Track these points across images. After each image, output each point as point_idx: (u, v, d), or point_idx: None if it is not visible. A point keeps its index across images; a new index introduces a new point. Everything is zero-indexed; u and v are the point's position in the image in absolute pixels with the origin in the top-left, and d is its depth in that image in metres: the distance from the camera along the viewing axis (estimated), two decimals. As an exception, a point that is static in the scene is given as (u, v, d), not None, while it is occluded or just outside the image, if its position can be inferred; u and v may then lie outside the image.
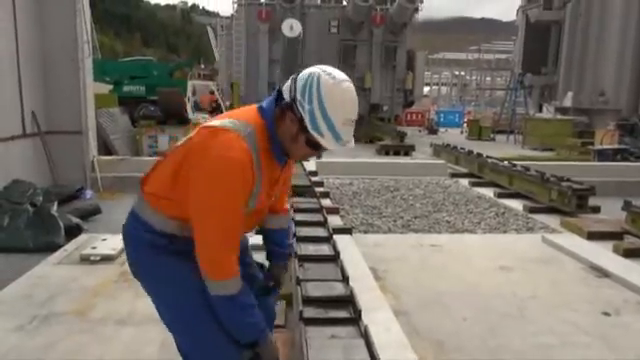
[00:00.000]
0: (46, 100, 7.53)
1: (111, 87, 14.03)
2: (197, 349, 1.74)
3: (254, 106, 1.77)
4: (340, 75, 1.64)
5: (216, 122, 1.70)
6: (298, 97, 1.60)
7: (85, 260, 4.42)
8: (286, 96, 1.64)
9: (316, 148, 1.67)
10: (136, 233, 1.79)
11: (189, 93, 16.46)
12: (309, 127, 1.60)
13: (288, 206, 2.17)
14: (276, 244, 2.13)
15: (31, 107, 7.22)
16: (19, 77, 6.94)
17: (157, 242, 1.75)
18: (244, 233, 1.89)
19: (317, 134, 1.60)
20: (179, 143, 1.79)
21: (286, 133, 1.67)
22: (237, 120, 1.67)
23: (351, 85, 1.66)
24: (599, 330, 3.44)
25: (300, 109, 1.59)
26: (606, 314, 3.70)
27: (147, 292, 1.85)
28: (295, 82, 1.63)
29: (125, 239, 1.85)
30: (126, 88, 16.14)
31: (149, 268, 1.79)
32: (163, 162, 1.82)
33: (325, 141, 1.62)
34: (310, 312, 2.62)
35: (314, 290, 2.92)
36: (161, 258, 1.75)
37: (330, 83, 1.59)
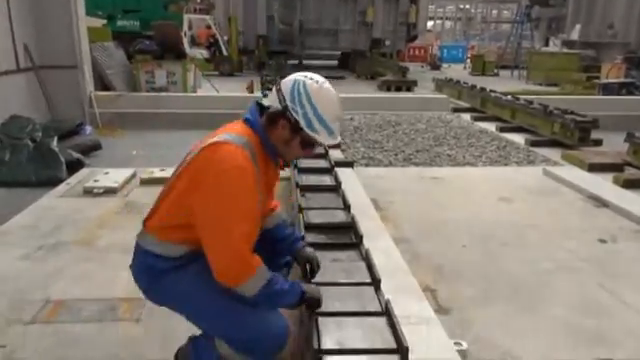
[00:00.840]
0: (38, 33, 7.30)
1: (104, 22, 13.58)
2: (244, 335, 1.78)
3: (240, 120, 1.89)
4: (320, 78, 1.85)
5: (214, 139, 1.78)
6: (289, 104, 1.78)
7: (88, 193, 4.45)
8: (274, 105, 1.81)
9: (310, 147, 1.87)
10: (146, 265, 1.85)
11: (185, 27, 15.96)
12: (305, 128, 1.78)
13: (275, 202, 2.21)
14: (281, 239, 2.16)
15: (23, 40, 7.02)
16: (8, 9, 6.69)
17: (168, 265, 1.82)
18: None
19: (313, 133, 1.79)
20: (174, 174, 1.87)
21: (279, 138, 1.83)
22: (230, 133, 1.79)
23: (330, 85, 1.86)
24: (595, 256, 3.52)
25: (294, 114, 1.77)
26: (602, 241, 3.77)
27: (178, 312, 1.92)
28: (280, 92, 1.80)
29: (137, 275, 1.90)
30: (120, 23, 15.59)
31: (169, 290, 1.84)
32: (164, 198, 1.87)
33: (321, 137, 1.81)
34: (312, 238, 2.66)
35: (316, 217, 2.96)
36: (175, 276, 1.82)
37: (315, 87, 1.80)
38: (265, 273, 1.74)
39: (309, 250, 2.17)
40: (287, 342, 1.82)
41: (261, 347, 1.78)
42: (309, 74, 1.85)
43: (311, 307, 1.93)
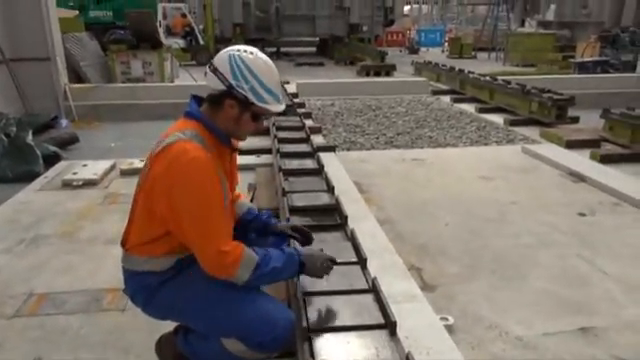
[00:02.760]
0: (7, 25, 7.12)
1: (76, 13, 13.26)
2: (245, 329, 1.74)
3: (180, 118, 1.85)
4: (250, 48, 1.81)
5: (160, 145, 1.74)
6: (233, 82, 1.72)
7: (67, 185, 4.38)
8: (216, 87, 1.75)
9: (261, 119, 1.85)
10: (140, 285, 1.82)
11: (160, 17, 15.67)
12: (256, 101, 1.75)
13: (237, 193, 2.19)
14: (252, 220, 2.12)
15: (-8, 33, 6.83)
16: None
17: (159, 280, 1.80)
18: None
19: (264, 104, 1.77)
20: (135, 190, 1.84)
21: (228, 118, 1.79)
22: (174, 134, 1.74)
23: (260, 52, 1.82)
24: (575, 229, 3.59)
25: (241, 90, 1.73)
26: (582, 215, 3.85)
27: (182, 322, 1.92)
28: (218, 72, 1.74)
29: (133, 297, 1.88)
30: (92, 14, 15.26)
31: (167, 303, 1.82)
32: (133, 215, 1.83)
33: (272, 107, 1.79)
34: (297, 221, 2.65)
35: (300, 200, 2.96)
36: (170, 288, 1.80)
37: (252, 58, 1.76)
38: (251, 258, 1.71)
39: (285, 223, 2.19)
40: (291, 332, 1.76)
41: (267, 340, 1.73)
42: (240, 47, 1.81)
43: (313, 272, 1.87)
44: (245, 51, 1.77)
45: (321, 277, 1.89)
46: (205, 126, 1.79)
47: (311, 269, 1.85)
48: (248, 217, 2.12)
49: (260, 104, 1.76)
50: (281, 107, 1.83)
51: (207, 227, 1.67)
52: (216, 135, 1.81)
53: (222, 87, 1.74)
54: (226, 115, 1.78)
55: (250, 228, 2.12)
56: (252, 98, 1.74)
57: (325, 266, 1.87)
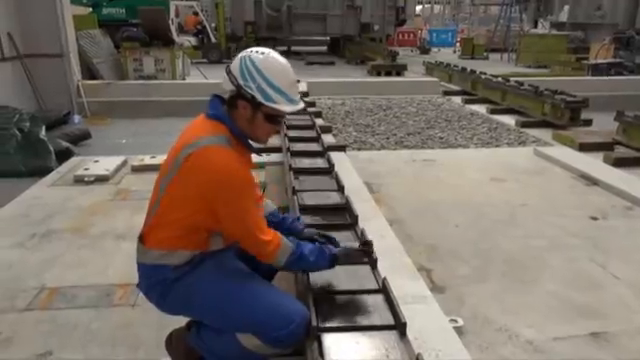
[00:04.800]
0: (22, 22, 7.17)
1: (90, 10, 13.36)
2: (261, 323, 1.73)
3: (202, 117, 1.85)
4: (265, 49, 1.81)
5: (196, 145, 1.73)
6: (241, 82, 1.74)
7: (79, 181, 4.41)
8: (228, 88, 1.78)
9: (275, 120, 1.82)
10: (156, 279, 1.82)
11: (172, 14, 15.73)
12: (263, 101, 1.74)
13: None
14: (276, 224, 2.08)
15: (6, 29, 6.88)
16: (-10, -3, 6.56)
17: (177, 274, 1.80)
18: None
19: (272, 103, 1.75)
20: (159, 185, 1.83)
21: (243, 120, 1.80)
22: (206, 135, 1.75)
23: (277, 53, 1.83)
24: (587, 233, 3.55)
25: (248, 90, 1.73)
26: (594, 218, 3.81)
27: (196, 317, 1.92)
28: (231, 73, 1.77)
29: (148, 292, 1.88)
30: (105, 11, 15.33)
31: (182, 298, 1.82)
32: (159, 208, 1.83)
33: (281, 106, 1.77)
34: (307, 220, 2.65)
35: (310, 199, 2.96)
36: (186, 282, 1.80)
37: (261, 58, 1.76)
38: (287, 246, 1.82)
39: (311, 230, 2.14)
40: (307, 327, 1.75)
41: (283, 334, 1.72)
42: (254, 48, 1.82)
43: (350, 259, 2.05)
44: (257, 52, 1.78)
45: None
46: (229, 129, 1.80)
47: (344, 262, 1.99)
48: (273, 219, 2.11)
49: (268, 103, 1.75)
50: (293, 107, 1.80)
51: (250, 223, 1.76)
52: (239, 138, 1.82)
53: (232, 87, 1.76)
54: (241, 116, 1.80)
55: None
56: (259, 97, 1.73)
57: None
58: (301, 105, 1.85)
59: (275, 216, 2.14)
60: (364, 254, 2.10)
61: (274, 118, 1.82)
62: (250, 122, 1.80)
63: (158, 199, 1.82)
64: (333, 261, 1.92)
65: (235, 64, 1.78)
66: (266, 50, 1.81)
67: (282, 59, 1.81)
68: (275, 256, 1.80)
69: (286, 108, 1.78)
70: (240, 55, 1.80)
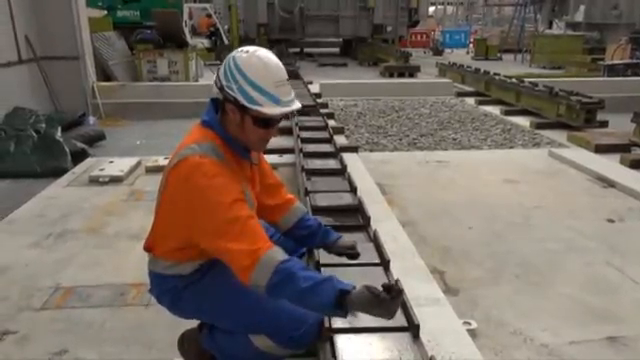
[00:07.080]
0: (39, 24, 7.28)
1: (105, 13, 13.52)
2: (275, 325, 1.71)
3: (197, 124, 1.76)
4: (254, 48, 1.67)
5: (175, 157, 1.67)
6: (224, 84, 1.62)
7: (94, 181, 4.46)
8: (214, 91, 1.67)
9: (263, 124, 1.66)
10: (165, 287, 1.82)
11: (185, 17, 15.85)
12: (246, 103, 1.59)
13: (290, 195, 2.07)
14: (311, 233, 2.01)
15: (24, 31, 6.99)
16: (8, 0, 6.66)
17: (185, 282, 1.79)
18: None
19: (255, 105, 1.60)
20: (157, 200, 1.80)
21: (233, 125, 1.68)
22: (189, 145, 1.66)
23: (268, 51, 1.67)
24: (603, 235, 3.50)
25: (230, 92, 1.61)
26: (610, 221, 3.75)
27: (207, 321, 1.90)
28: (216, 74, 1.67)
29: (159, 298, 1.88)
30: (120, 13, 15.49)
31: (193, 304, 1.82)
32: (156, 223, 1.82)
33: (265, 108, 1.60)
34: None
35: (322, 200, 2.96)
36: (195, 289, 1.79)
37: (244, 57, 1.63)
38: (270, 261, 1.52)
39: (346, 241, 2.00)
40: (321, 328, 1.73)
41: (297, 335, 1.70)
42: (244, 47, 1.69)
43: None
44: (242, 50, 1.66)
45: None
46: (220, 137, 1.70)
47: (355, 304, 1.49)
48: (303, 232, 1.99)
49: (250, 105, 1.60)
50: (279, 109, 1.62)
51: (216, 225, 1.58)
52: (233, 147, 1.71)
53: (217, 89, 1.66)
54: (230, 121, 1.68)
55: (303, 243, 2.05)
56: (241, 99, 1.60)
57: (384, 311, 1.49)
58: (292, 107, 1.66)
59: (304, 227, 1.98)
60: (389, 301, 1.47)
61: (266, 122, 1.66)
62: (240, 127, 1.67)
63: (155, 213, 1.82)
64: (339, 299, 1.48)
65: (222, 65, 1.67)
66: (253, 48, 1.67)
67: (269, 57, 1.65)
68: (249, 275, 1.51)
69: (270, 110, 1.61)
70: (228, 55, 1.68)
